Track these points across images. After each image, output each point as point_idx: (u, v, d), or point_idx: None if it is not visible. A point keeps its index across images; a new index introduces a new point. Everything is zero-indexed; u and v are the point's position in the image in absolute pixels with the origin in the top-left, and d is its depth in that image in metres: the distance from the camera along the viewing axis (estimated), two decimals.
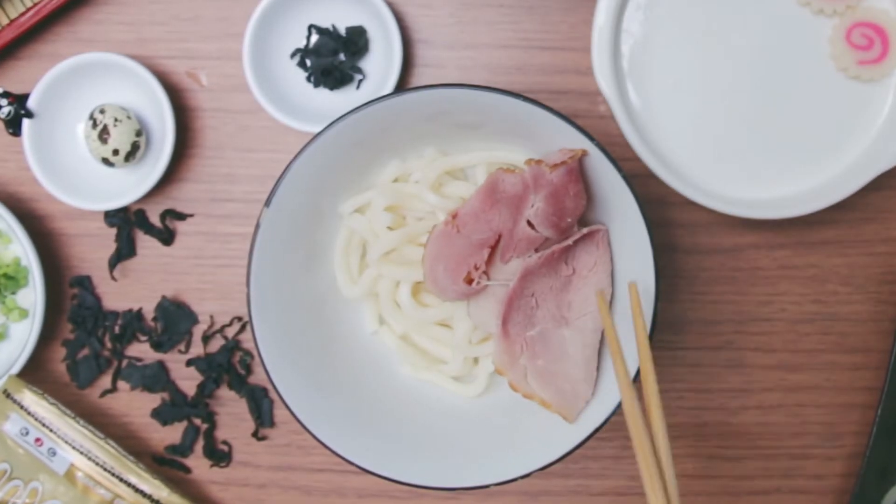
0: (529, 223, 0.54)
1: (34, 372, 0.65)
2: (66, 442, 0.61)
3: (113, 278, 0.65)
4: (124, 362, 0.65)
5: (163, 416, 0.65)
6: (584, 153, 0.52)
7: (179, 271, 0.65)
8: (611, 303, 0.56)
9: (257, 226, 0.53)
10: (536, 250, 0.55)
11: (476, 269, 0.55)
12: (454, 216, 0.55)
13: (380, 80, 0.62)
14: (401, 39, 0.60)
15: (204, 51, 0.63)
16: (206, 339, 0.65)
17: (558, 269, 0.56)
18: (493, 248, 0.55)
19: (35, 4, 0.61)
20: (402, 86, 0.63)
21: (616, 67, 0.59)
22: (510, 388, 0.56)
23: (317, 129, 0.53)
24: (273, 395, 0.65)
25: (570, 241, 0.54)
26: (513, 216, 0.54)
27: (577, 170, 0.53)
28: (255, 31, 0.60)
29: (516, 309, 0.55)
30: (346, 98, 0.63)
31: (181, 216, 0.64)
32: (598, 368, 0.56)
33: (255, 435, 0.65)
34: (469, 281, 0.55)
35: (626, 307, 0.53)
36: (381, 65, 0.63)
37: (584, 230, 0.55)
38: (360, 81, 0.62)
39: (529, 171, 0.53)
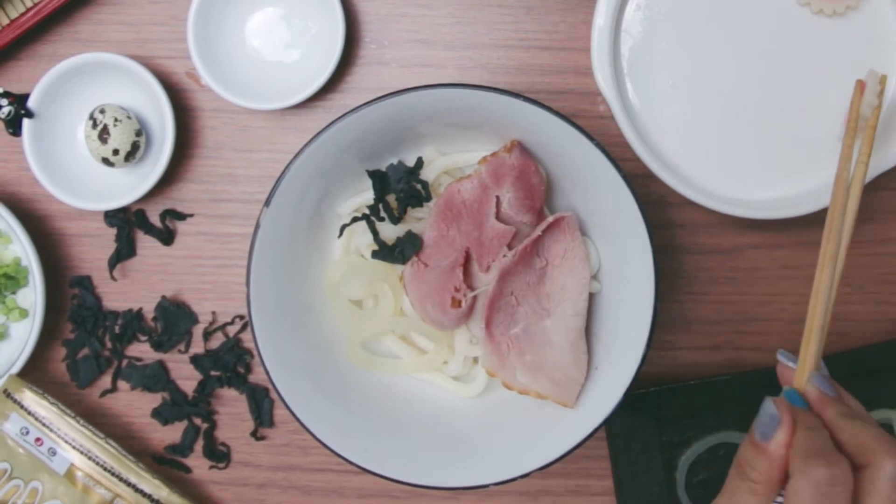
0: (499, 217, 0.55)
1: (34, 372, 0.65)
2: (67, 442, 0.61)
3: (113, 278, 0.65)
4: (124, 362, 0.65)
5: (163, 415, 0.65)
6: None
7: (179, 271, 0.65)
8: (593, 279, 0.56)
9: (257, 226, 0.53)
10: (509, 247, 0.55)
11: (457, 290, 0.56)
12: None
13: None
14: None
15: None
16: (208, 335, 0.65)
17: (532, 263, 0.56)
18: (467, 264, 0.56)
19: (35, 5, 0.61)
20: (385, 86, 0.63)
21: (616, 67, 0.59)
22: (504, 388, 0.56)
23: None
24: (273, 394, 0.65)
25: (538, 232, 0.55)
26: (477, 222, 0.55)
27: (524, 146, 0.55)
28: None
29: (497, 310, 0.56)
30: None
31: (181, 216, 0.64)
32: (587, 351, 0.56)
33: (254, 434, 0.65)
34: (457, 304, 0.56)
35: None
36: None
37: (551, 218, 0.55)
38: None
39: (487, 168, 0.54)
